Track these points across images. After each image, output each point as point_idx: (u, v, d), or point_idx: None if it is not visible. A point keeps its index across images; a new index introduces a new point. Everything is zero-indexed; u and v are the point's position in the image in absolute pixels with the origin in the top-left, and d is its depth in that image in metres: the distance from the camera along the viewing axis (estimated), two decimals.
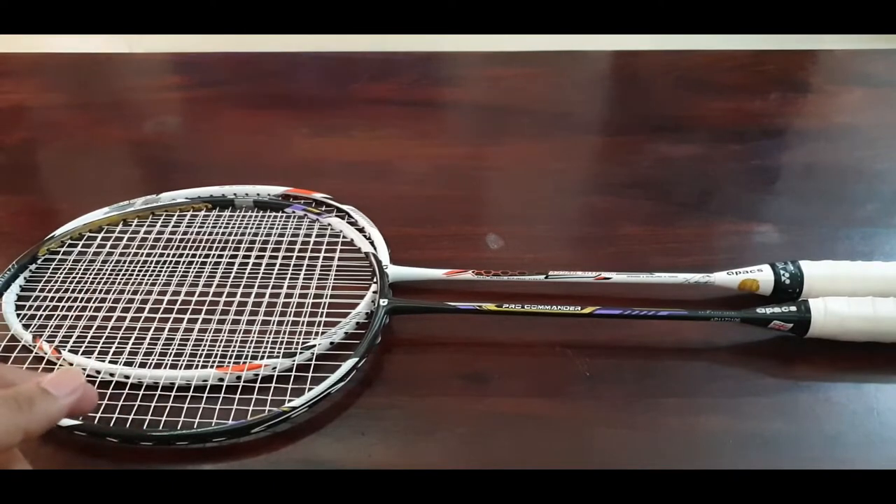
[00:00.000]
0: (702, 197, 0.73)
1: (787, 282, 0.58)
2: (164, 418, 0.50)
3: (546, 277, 0.60)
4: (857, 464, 0.49)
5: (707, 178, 0.75)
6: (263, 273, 0.61)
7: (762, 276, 0.58)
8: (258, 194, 0.69)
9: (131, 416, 0.50)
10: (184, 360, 0.54)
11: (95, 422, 0.50)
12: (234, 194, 0.69)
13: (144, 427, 0.50)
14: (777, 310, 0.55)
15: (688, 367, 0.56)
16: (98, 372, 0.53)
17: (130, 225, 0.66)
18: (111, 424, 0.50)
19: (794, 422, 0.51)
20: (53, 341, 0.55)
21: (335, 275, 0.61)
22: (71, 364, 0.53)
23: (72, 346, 0.55)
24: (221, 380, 0.52)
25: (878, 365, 0.55)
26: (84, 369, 0.53)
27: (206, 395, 0.52)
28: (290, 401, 0.50)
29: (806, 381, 0.54)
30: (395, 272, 0.60)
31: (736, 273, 0.59)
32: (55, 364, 0.54)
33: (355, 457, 0.49)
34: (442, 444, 0.51)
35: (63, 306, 0.58)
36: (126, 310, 0.58)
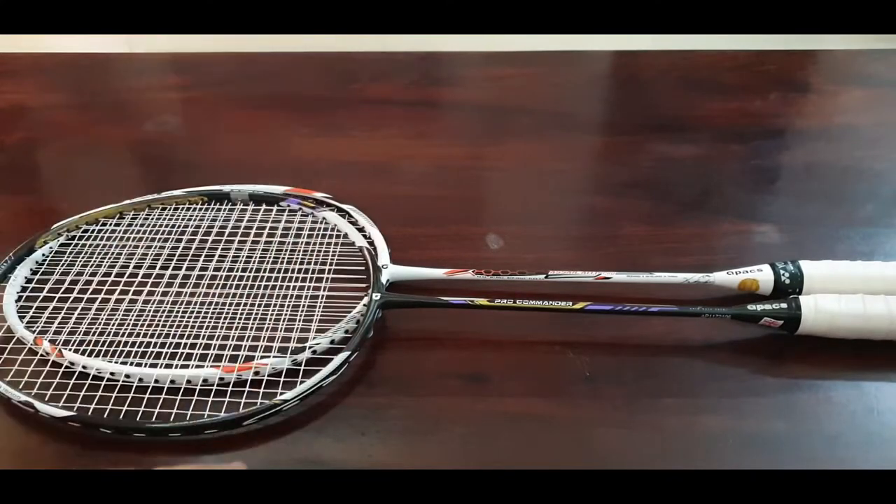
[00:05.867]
0: (702, 197, 0.73)
1: (787, 282, 0.58)
2: (157, 410, 0.51)
3: (546, 277, 0.60)
4: (857, 464, 0.49)
5: (707, 178, 0.75)
6: (260, 269, 0.61)
7: (762, 275, 0.58)
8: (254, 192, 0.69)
9: (125, 408, 0.51)
10: (180, 360, 0.54)
11: (89, 413, 0.50)
12: (231, 189, 0.69)
13: (138, 418, 0.50)
14: (768, 306, 0.55)
15: (688, 366, 0.56)
16: (99, 371, 0.53)
17: (126, 217, 0.67)
18: (105, 416, 0.50)
19: (794, 422, 0.51)
20: (51, 337, 0.55)
21: (332, 270, 0.61)
22: (72, 363, 0.54)
23: (65, 339, 0.55)
24: (223, 379, 0.53)
25: (877, 364, 0.55)
26: (72, 363, 0.53)
27: (198, 386, 0.52)
28: (281, 393, 0.51)
29: (806, 380, 0.54)
30: (396, 272, 0.60)
31: (736, 273, 0.59)
32: (48, 357, 0.54)
33: (355, 457, 0.50)
34: (442, 444, 0.51)
35: (60, 306, 0.58)
36: (119, 307, 0.58)
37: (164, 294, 0.59)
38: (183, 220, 0.67)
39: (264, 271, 0.61)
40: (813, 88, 0.93)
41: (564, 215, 0.72)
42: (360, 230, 0.65)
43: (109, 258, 0.63)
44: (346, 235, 0.64)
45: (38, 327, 0.56)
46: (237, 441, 0.50)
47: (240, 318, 0.57)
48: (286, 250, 0.63)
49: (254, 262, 0.62)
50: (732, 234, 0.68)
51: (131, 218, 0.67)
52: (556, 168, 0.77)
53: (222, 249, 0.63)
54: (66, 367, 0.53)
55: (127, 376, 0.53)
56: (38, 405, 0.50)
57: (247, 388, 0.52)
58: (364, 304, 0.57)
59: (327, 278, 0.60)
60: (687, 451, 0.50)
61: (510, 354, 0.56)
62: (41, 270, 0.62)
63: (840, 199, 0.72)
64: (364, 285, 0.59)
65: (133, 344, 0.55)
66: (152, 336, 0.56)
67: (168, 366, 0.53)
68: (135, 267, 0.62)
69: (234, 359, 0.54)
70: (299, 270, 0.61)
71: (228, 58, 0.96)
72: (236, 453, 0.50)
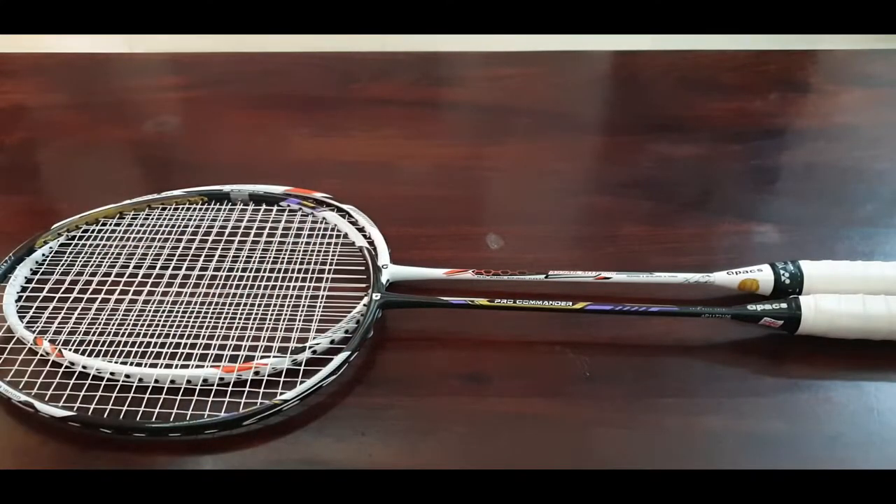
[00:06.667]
0: (702, 197, 0.73)
1: (787, 282, 0.58)
2: (157, 410, 0.51)
3: (546, 277, 0.60)
4: (857, 464, 0.49)
5: (707, 178, 0.75)
6: (260, 269, 0.61)
7: (762, 275, 0.58)
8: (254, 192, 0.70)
9: (125, 408, 0.51)
10: (180, 360, 0.54)
11: (89, 413, 0.50)
12: (231, 189, 0.69)
13: (138, 418, 0.50)
14: (768, 306, 0.55)
15: (687, 366, 0.56)
16: (99, 371, 0.53)
17: (126, 217, 0.67)
18: (105, 416, 0.50)
19: (794, 422, 0.51)
20: (51, 337, 0.55)
21: (332, 270, 0.61)
22: (72, 363, 0.53)
23: (65, 339, 0.55)
24: (223, 379, 0.53)
25: (877, 364, 0.55)
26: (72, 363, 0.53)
27: (198, 387, 0.52)
28: (281, 394, 0.51)
29: (805, 380, 0.54)
30: (396, 272, 0.60)
31: (736, 273, 0.59)
32: (48, 357, 0.54)
33: (355, 457, 0.50)
34: (442, 444, 0.51)
35: (60, 306, 0.58)
36: (119, 307, 0.58)
37: (164, 294, 0.59)
38: (183, 220, 0.67)
39: (264, 271, 0.61)
40: (813, 88, 0.93)
41: (564, 215, 0.72)
42: (360, 230, 0.65)
43: (109, 258, 0.63)
44: (346, 235, 0.64)
45: (38, 327, 0.56)
46: (237, 441, 0.50)
47: (240, 318, 0.57)
48: (286, 250, 0.63)
49: (254, 262, 0.62)
50: (732, 234, 0.68)
51: (131, 218, 0.67)
52: (556, 168, 0.77)
53: (222, 249, 0.63)
54: (66, 367, 0.53)
55: (127, 376, 0.53)
56: (38, 405, 0.50)
57: (247, 388, 0.52)
58: (364, 304, 0.57)
59: (327, 278, 0.60)
60: (687, 451, 0.50)
61: (510, 354, 0.56)
62: (41, 270, 0.62)
63: (840, 199, 0.72)
64: (364, 285, 0.59)
65: (133, 344, 0.55)
66: (152, 336, 0.56)
67: (168, 366, 0.53)
68: (135, 267, 0.62)
69: (234, 359, 0.54)
70: (299, 270, 0.61)
71: (228, 58, 0.96)
72: (236, 453, 0.50)
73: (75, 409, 0.50)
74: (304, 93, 0.90)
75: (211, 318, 0.57)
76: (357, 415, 0.52)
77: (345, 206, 0.68)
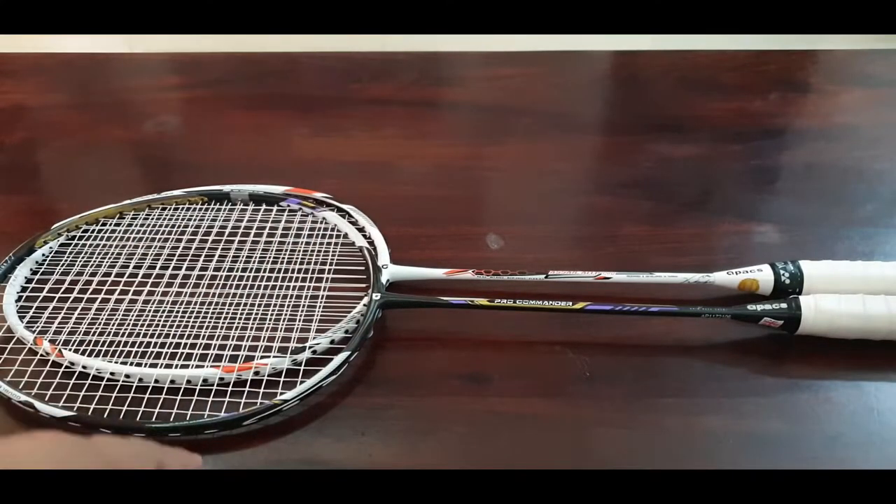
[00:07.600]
0: (702, 197, 0.73)
1: (787, 282, 0.58)
2: (157, 410, 0.51)
3: (546, 277, 0.60)
4: (857, 464, 0.49)
5: (707, 178, 0.75)
6: (260, 269, 0.61)
7: (762, 275, 0.58)
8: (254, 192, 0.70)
9: (125, 408, 0.51)
10: (180, 360, 0.54)
11: (89, 413, 0.50)
12: (231, 189, 0.69)
13: (138, 418, 0.50)
14: (768, 307, 0.55)
15: (687, 366, 0.56)
16: (99, 371, 0.53)
17: (126, 217, 0.67)
18: (105, 416, 0.50)
19: (794, 422, 0.52)
20: (51, 337, 0.55)
21: (332, 270, 0.61)
22: (72, 363, 0.53)
23: (65, 339, 0.55)
24: (223, 379, 0.53)
25: (877, 364, 0.55)
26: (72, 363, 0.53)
27: (198, 387, 0.52)
28: (281, 394, 0.51)
29: (805, 380, 0.54)
30: (396, 272, 0.60)
31: (736, 273, 0.59)
32: (48, 357, 0.54)
33: (355, 457, 0.50)
34: (442, 444, 0.51)
35: (60, 306, 0.58)
36: (119, 307, 0.58)
37: (164, 294, 0.59)
38: (183, 220, 0.67)
39: (264, 271, 0.61)
40: (813, 88, 0.93)
41: (564, 215, 0.72)
42: (360, 230, 0.65)
43: (109, 258, 0.63)
44: (346, 235, 0.64)
45: (38, 327, 0.56)
46: (237, 441, 0.50)
47: (240, 318, 0.57)
48: (286, 250, 0.63)
49: (254, 262, 0.62)
50: (732, 234, 0.68)
51: (131, 218, 0.67)
52: (556, 168, 0.77)
53: (222, 249, 0.63)
54: (66, 367, 0.54)
55: (127, 376, 0.53)
56: (38, 405, 0.50)
57: (247, 388, 0.52)
58: (364, 304, 0.57)
59: (327, 278, 0.60)
60: (687, 451, 0.50)
61: (510, 354, 0.56)
62: (41, 270, 0.62)
63: (840, 199, 0.72)
64: (364, 285, 0.59)
65: (133, 344, 0.55)
66: (152, 336, 0.56)
67: (168, 366, 0.53)
68: (135, 267, 0.62)
69: (234, 359, 0.54)
70: (299, 270, 0.61)
71: (228, 58, 0.96)
72: (236, 453, 0.50)
73: (75, 409, 0.50)
74: (304, 93, 0.90)
75: (211, 318, 0.57)
76: (357, 415, 0.52)
77: (345, 206, 0.68)
